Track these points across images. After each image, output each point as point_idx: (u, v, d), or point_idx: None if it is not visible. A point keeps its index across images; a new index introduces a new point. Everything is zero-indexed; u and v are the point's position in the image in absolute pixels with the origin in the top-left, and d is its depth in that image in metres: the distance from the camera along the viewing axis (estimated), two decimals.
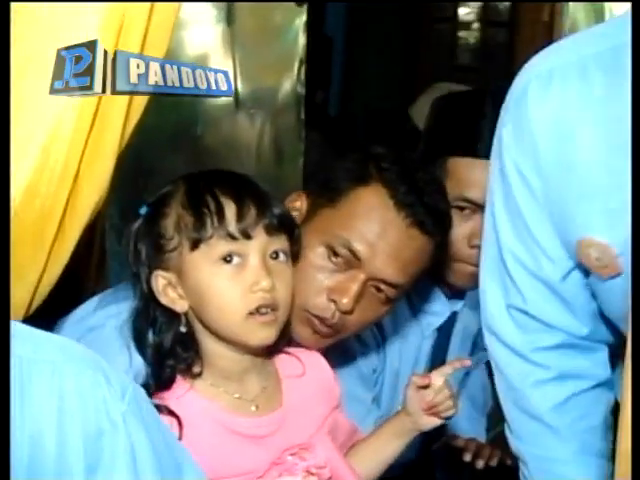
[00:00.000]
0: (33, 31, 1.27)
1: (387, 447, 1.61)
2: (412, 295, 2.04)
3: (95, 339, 1.56)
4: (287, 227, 1.48)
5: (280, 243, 1.46)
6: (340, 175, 1.69)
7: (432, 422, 1.57)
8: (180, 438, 1.42)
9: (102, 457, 1.20)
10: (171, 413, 1.44)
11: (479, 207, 1.81)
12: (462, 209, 1.89)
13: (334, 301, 1.61)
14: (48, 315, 1.53)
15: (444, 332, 2.17)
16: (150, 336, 1.49)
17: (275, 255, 1.45)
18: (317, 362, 1.63)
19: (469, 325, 2.21)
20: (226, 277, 1.42)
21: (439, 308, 2.13)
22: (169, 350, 1.47)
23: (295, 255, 1.53)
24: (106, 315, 1.62)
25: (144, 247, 1.47)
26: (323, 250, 1.63)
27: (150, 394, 1.43)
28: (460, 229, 1.87)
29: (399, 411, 1.62)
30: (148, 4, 1.29)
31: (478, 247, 1.71)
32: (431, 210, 1.63)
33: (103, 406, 1.20)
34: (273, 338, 1.46)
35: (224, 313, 1.43)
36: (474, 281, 1.77)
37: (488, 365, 2.26)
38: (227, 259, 1.42)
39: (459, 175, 1.91)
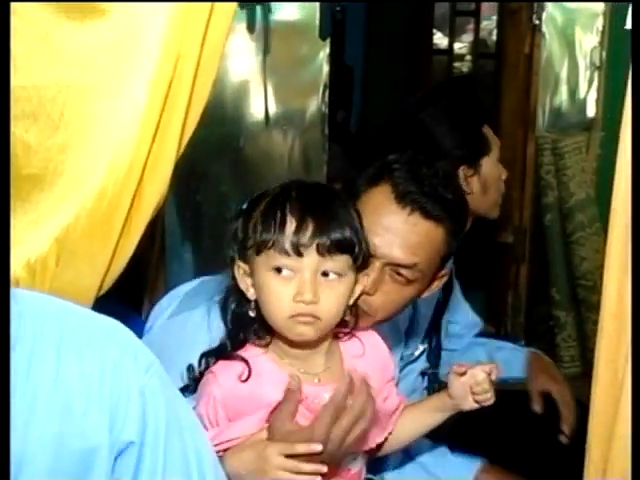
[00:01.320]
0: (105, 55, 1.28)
1: (428, 417, 1.58)
2: None
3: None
4: (343, 250, 1.39)
5: (332, 264, 1.38)
6: (359, 181, 1.66)
7: (471, 405, 1.52)
8: (246, 380, 1.42)
9: (121, 419, 1.18)
10: (244, 360, 1.43)
11: None
12: None
13: None
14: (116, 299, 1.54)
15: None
16: (231, 308, 1.47)
17: (325, 274, 1.39)
18: (375, 341, 1.59)
19: None
20: (276, 284, 1.39)
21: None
22: (242, 324, 1.46)
23: (360, 269, 1.45)
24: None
25: (236, 237, 1.45)
26: None
27: (226, 353, 1.45)
28: None
29: (444, 391, 1.58)
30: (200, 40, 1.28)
31: None
32: (432, 198, 1.58)
33: (126, 378, 1.19)
34: (313, 336, 1.42)
35: (272, 312, 1.40)
36: None
37: None
38: (278, 270, 1.38)
39: None
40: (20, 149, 1.12)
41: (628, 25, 0.95)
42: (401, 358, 2.04)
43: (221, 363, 1.46)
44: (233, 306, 1.47)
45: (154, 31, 1.26)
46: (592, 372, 1.11)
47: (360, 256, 1.42)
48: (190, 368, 1.50)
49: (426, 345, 2.16)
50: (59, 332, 1.18)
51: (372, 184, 1.62)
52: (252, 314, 1.44)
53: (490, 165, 2.07)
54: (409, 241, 1.57)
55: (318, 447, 1.35)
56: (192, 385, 1.48)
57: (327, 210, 1.41)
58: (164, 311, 1.67)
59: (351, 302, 1.47)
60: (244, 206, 1.49)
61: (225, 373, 1.45)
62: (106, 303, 1.46)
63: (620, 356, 1.03)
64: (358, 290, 1.47)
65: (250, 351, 1.46)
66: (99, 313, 1.36)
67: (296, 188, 1.44)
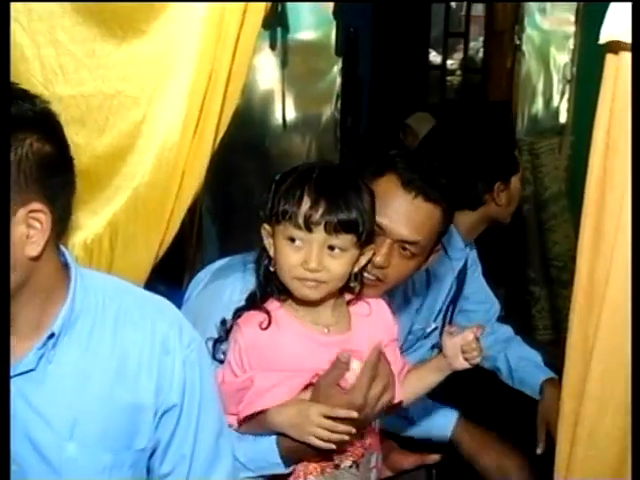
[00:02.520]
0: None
1: (430, 376, 1.53)
2: (450, 250, 2.00)
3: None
4: (347, 230, 1.37)
5: (337, 240, 1.36)
6: (367, 173, 1.64)
7: (463, 364, 1.48)
8: (266, 328, 1.41)
9: (167, 384, 1.18)
10: (266, 312, 1.42)
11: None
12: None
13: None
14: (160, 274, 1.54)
15: (461, 271, 2.11)
16: (264, 264, 1.45)
17: (331, 247, 1.37)
18: (381, 306, 1.55)
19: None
20: (289, 250, 1.37)
21: (461, 255, 2.08)
22: (267, 278, 1.44)
23: (364, 244, 1.42)
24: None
25: (265, 204, 1.42)
26: None
27: (255, 303, 1.44)
28: None
29: (440, 352, 1.55)
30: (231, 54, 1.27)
31: None
32: (431, 184, 1.56)
33: (172, 350, 1.19)
34: (316, 297, 1.40)
35: (283, 273, 1.39)
36: None
37: None
38: (292, 239, 1.37)
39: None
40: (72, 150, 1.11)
41: (601, 40, 0.93)
42: (410, 332, 2.00)
43: (245, 315, 1.45)
44: (265, 262, 1.45)
45: (190, 47, 1.25)
46: (563, 339, 1.10)
47: (363, 235, 1.39)
48: (223, 321, 1.48)
49: (440, 323, 2.10)
50: (118, 306, 1.18)
51: (379, 175, 1.59)
52: (272, 269, 1.43)
53: (516, 182, 2.04)
54: (414, 221, 1.56)
55: (354, 414, 1.36)
56: (224, 336, 1.46)
57: (339, 193, 1.38)
58: (200, 283, 1.66)
59: (356, 269, 1.44)
60: (276, 177, 1.46)
61: (248, 323, 1.43)
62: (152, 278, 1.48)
63: (590, 325, 1.02)
64: (363, 261, 1.45)
65: (271, 304, 1.44)
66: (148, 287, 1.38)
67: (318, 171, 1.41)
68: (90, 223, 1.36)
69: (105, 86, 1.28)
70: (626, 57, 0.92)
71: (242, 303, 1.48)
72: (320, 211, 1.34)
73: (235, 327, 1.45)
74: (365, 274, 1.54)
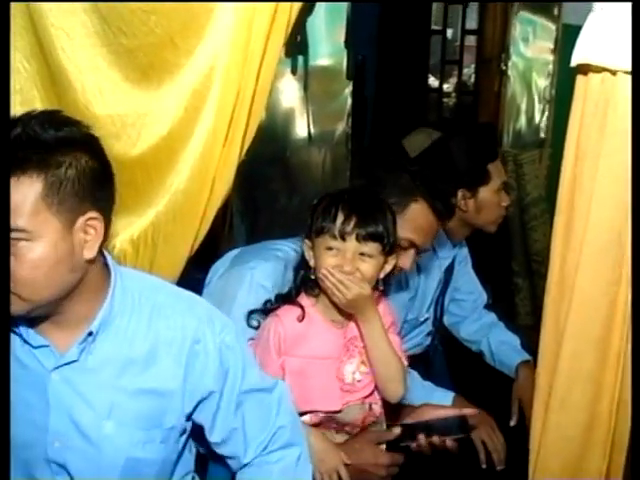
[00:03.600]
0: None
1: None
2: (437, 249, 1.98)
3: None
4: (376, 239, 1.40)
5: (367, 248, 1.39)
6: (399, 194, 1.60)
7: None
8: (302, 320, 1.44)
9: (198, 372, 1.17)
10: (301, 307, 1.45)
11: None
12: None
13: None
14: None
15: (449, 268, 2.08)
16: (301, 273, 1.48)
17: (362, 254, 1.40)
18: (384, 303, 1.56)
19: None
20: (328, 258, 1.40)
21: (447, 254, 2.05)
22: (304, 282, 1.46)
23: (388, 253, 1.45)
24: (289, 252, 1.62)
25: (307, 224, 1.46)
26: None
27: (291, 299, 1.47)
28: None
29: None
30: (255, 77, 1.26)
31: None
32: (447, 209, 1.64)
33: (204, 340, 1.18)
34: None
35: (324, 279, 1.41)
36: None
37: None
38: (329, 248, 1.39)
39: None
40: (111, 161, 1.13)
41: (573, 63, 0.92)
42: (406, 321, 1.97)
43: (283, 308, 1.47)
44: (302, 272, 1.48)
45: (218, 70, 1.25)
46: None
47: (387, 245, 1.42)
48: (267, 302, 1.51)
49: (431, 312, 2.08)
50: (152, 304, 1.17)
51: (412, 199, 1.60)
52: (313, 277, 1.44)
53: (487, 193, 1.94)
54: (432, 234, 1.65)
55: None
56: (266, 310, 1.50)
57: (367, 210, 1.41)
58: (219, 269, 1.65)
59: (382, 275, 1.46)
60: (314, 202, 1.49)
61: (287, 315, 1.45)
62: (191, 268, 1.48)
63: (562, 310, 1.02)
64: (388, 268, 1.47)
65: (305, 301, 1.47)
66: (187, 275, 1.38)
67: (348, 193, 1.46)
68: (136, 223, 1.36)
69: (138, 106, 1.28)
70: (594, 78, 0.91)
71: (265, 285, 1.52)
72: (352, 224, 1.38)
73: (274, 318, 1.47)
74: None
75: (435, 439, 1.56)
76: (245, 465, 1.25)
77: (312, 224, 1.44)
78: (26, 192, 0.98)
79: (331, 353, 1.48)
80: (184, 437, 1.24)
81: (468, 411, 1.66)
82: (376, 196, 1.49)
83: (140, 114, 1.28)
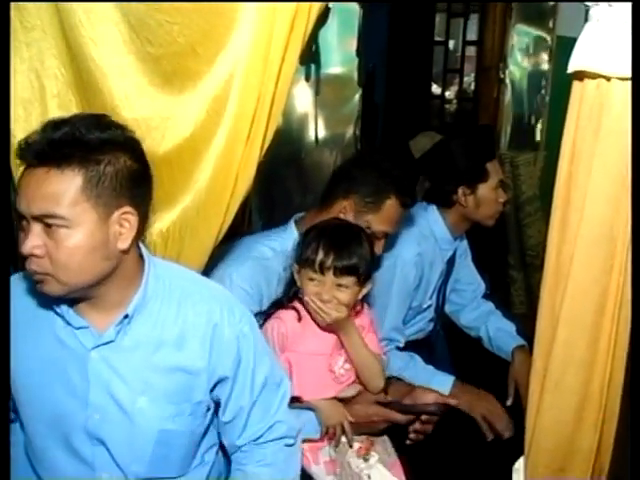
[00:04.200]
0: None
1: None
2: (439, 242, 1.99)
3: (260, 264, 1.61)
4: (351, 273, 1.45)
5: (344, 281, 1.45)
6: (375, 193, 1.64)
7: None
8: (299, 321, 1.50)
9: (216, 356, 1.18)
10: (297, 310, 1.51)
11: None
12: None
13: None
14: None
15: (450, 259, 2.08)
16: (293, 289, 1.53)
17: (340, 285, 1.46)
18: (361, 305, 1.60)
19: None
20: (310, 286, 1.46)
21: (449, 246, 2.04)
22: (296, 294, 1.53)
23: (364, 282, 1.50)
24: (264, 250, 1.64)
25: (296, 251, 1.53)
26: None
27: (288, 305, 1.52)
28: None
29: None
30: (274, 84, 1.25)
31: None
32: (413, 201, 1.69)
33: (224, 327, 1.18)
34: (327, 322, 1.48)
35: (307, 302, 1.48)
36: None
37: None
38: (312, 279, 1.46)
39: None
40: None
41: (569, 70, 0.91)
42: (410, 308, 1.97)
43: (282, 311, 1.53)
44: (294, 288, 1.53)
45: (239, 78, 1.23)
46: (536, 312, 1.08)
47: (362, 276, 1.48)
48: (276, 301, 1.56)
49: (434, 300, 2.08)
50: (181, 291, 1.18)
51: (387, 197, 1.64)
52: (301, 296, 1.50)
53: (485, 190, 1.94)
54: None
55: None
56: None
57: (344, 246, 1.46)
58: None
59: (360, 297, 1.52)
60: (304, 231, 1.56)
61: (288, 316, 1.51)
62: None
63: (557, 298, 1.01)
64: (365, 291, 1.53)
65: (299, 305, 1.52)
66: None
67: (331, 228, 1.51)
68: (165, 218, 1.36)
69: (162, 110, 1.28)
70: (590, 83, 0.90)
71: (244, 287, 1.55)
72: (330, 260, 1.44)
73: (277, 319, 1.52)
74: None
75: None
76: (239, 448, 1.25)
77: (301, 253, 1.49)
78: (68, 184, 1.00)
79: (324, 350, 1.53)
80: (210, 412, 1.24)
81: (452, 402, 1.70)
82: (355, 230, 1.53)
83: (163, 117, 1.28)
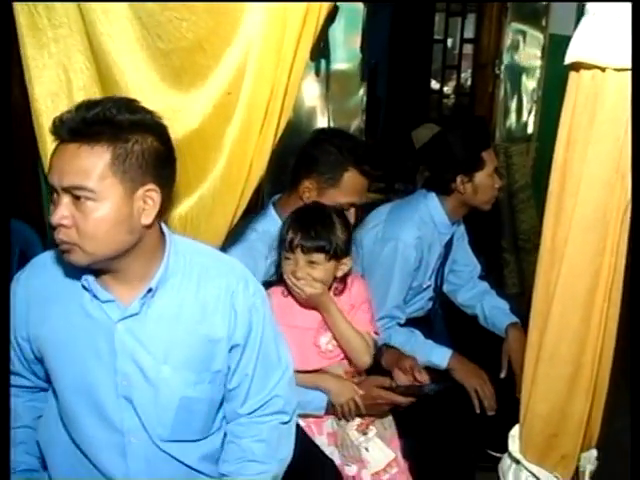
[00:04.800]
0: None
1: None
2: (438, 226, 1.98)
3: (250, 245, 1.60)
4: (318, 250, 1.45)
5: (314, 257, 1.45)
6: (332, 169, 1.62)
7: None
8: (286, 296, 1.51)
9: (233, 325, 1.17)
10: (285, 287, 1.52)
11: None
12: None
13: None
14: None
15: (448, 243, 2.06)
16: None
17: (312, 262, 1.45)
18: (356, 283, 1.59)
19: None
20: (286, 265, 1.48)
21: (447, 230, 2.02)
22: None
23: (338, 258, 1.48)
24: (248, 232, 1.63)
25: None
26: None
27: (276, 282, 1.53)
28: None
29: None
30: (287, 75, 1.23)
31: None
32: (375, 171, 1.65)
33: (239, 299, 1.18)
34: (305, 298, 1.48)
35: (285, 279, 1.49)
36: None
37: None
38: (287, 258, 1.46)
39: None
40: None
41: (566, 61, 0.89)
42: (411, 288, 1.97)
43: (271, 288, 1.53)
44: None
45: (249, 73, 1.21)
46: (527, 292, 1.08)
47: (331, 254, 1.46)
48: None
49: (433, 280, 2.07)
50: (200, 266, 1.17)
51: (345, 170, 1.62)
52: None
53: (482, 177, 1.91)
54: (366, 191, 1.70)
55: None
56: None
57: (310, 226, 1.46)
58: None
59: (340, 274, 1.51)
60: (280, 212, 1.59)
61: (276, 291, 1.53)
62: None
63: (552, 276, 1.00)
64: (346, 268, 1.51)
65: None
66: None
67: (301, 211, 1.52)
68: (184, 202, 1.35)
69: (174, 102, 1.26)
70: (585, 74, 0.89)
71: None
72: (297, 238, 1.44)
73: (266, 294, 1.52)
74: None
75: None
76: (238, 419, 1.23)
77: (280, 236, 1.50)
78: (97, 159, 1.01)
79: (309, 325, 1.53)
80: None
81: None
82: (326, 212, 1.52)
83: (175, 110, 1.26)
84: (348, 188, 1.62)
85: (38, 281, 1.16)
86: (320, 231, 1.45)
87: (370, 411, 1.54)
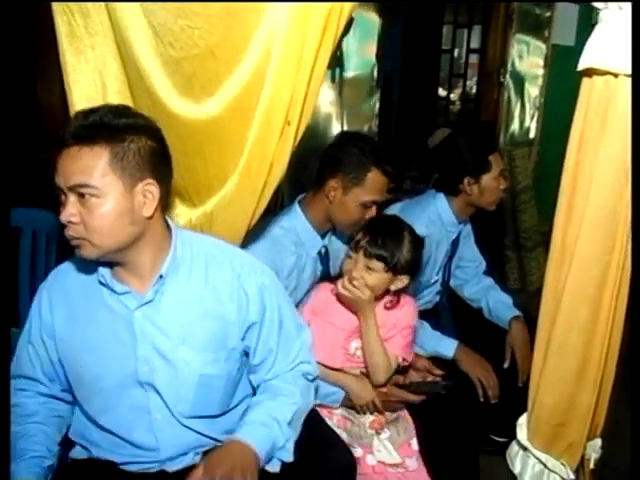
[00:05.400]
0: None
1: None
2: (446, 225, 1.95)
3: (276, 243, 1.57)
4: (379, 259, 1.41)
5: (374, 264, 1.41)
6: (356, 169, 1.59)
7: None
8: (333, 293, 1.48)
9: (245, 306, 1.17)
10: (334, 284, 1.48)
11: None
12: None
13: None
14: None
15: (455, 240, 2.03)
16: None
17: (369, 267, 1.41)
18: (410, 307, 1.55)
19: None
20: (346, 263, 1.44)
21: (454, 229, 2.00)
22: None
23: (396, 272, 1.45)
24: (274, 229, 1.60)
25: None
26: (360, 206, 1.58)
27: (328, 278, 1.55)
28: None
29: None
30: (307, 81, 1.20)
31: None
32: (395, 171, 1.61)
33: (247, 281, 1.18)
34: (353, 299, 1.44)
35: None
36: None
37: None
38: (349, 256, 1.43)
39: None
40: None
41: (580, 67, 0.86)
42: (419, 282, 1.93)
43: (322, 283, 1.54)
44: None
45: (271, 76, 1.18)
46: (527, 287, 1.05)
47: (392, 268, 1.43)
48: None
49: (440, 275, 2.04)
50: (206, 254, 1.18)
51: (368, 170, 1.58)
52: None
53: (488, 179, 1.88)
54: (387, 190, 1.65)
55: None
56: None
57: (380, 234, 1.42)
58: None
59: (393, 288, 1.47)
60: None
61: (324, 287, 1.52)
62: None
63: (562, 273, 0.97)
64: (400, 285, 1.47)
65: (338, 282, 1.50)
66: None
67: (379, 219, 1.51)
68: (208, 203, 1.32)
69: (186, 109, 1.24)
70: (599, 80, 0.86)
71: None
72: (364, 242, 1.41)
73: (316, 287, 1.53)
74: None
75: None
76: (267, 380, 1.23)
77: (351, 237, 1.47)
78: (97, 158, 1.02)
79: (345, 326, 1.49)
80: (242, 359, 1.23)
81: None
82: (400, 227, 1.49)
83: (187, 114, 1.24)
84: (371, 187, 1.59)
85: (60, 287, 1.19)
86: (387, 242, 1.42)
87: (384, 408, 1.51)
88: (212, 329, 1.15)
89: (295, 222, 1.63)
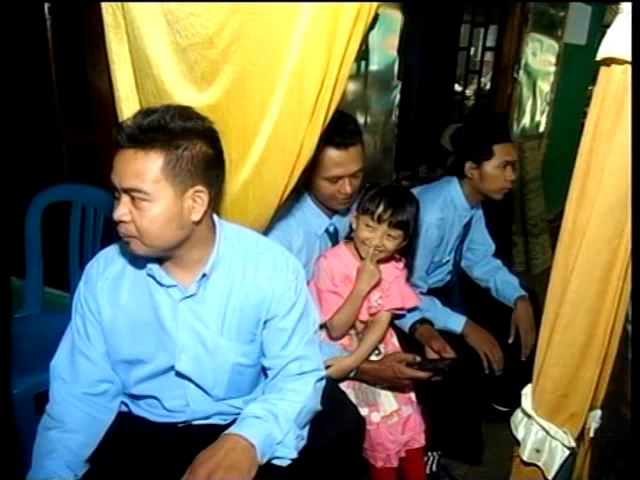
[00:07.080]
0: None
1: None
2: (459, 209, 1.92)
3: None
4: (402, 227, 1.42)
5: (395, 232, 1.42)
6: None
7: None
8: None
9: (276, 301, 1.14)
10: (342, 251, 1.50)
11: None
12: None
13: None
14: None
15: (467, 224, 2.00)
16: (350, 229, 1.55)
17: (389, 235, 1.41)
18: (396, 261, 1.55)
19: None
20: (365, 232, 1.43)
21: (466, 213, 1.96)
22: (347, 236, 1.54)
23: (411, 237, 1.47)
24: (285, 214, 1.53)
25: (358, 201, 1.48)
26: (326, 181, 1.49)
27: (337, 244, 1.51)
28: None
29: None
30: (337, 70, 1.16)
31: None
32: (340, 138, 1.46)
33: (281, 278, 1.14)
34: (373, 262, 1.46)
35: (357, 242, 1.46)
36: None
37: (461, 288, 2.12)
38: (368, 225, 1.42)
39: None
40: None
41: (599, 57, 0.82)
42: (432, 262, 1.92)
43: (343, 245, 1.51)
44: (352, 233, 1.50)
45: (302, 65, 1.13)
46: (531, 270, 1.01)
47: (409, 232, 1.44)
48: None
49: (452, 256, 2.02)
50: (245, 250, 1.15)
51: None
52: (352, 236, 1.48)
53: (489, 167, 1.82)
54: None
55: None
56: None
57: (401, 205, 1.41)
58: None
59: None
60: (366, 185, 1.48)
61: (334, 254, 1.49)
62: None
63: (571, 255, 0.93)
64: (403, 244, 1.47)
65: (345, 246, 1.51)
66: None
67: (391, 189, 1.46)
68: (233, 181, 1.28)
69: (190, 96, 1.20)
70: (617, 69, 0.81)
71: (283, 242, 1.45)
72: (388, 214, 1.40)
73: (322, 259, 1.50)
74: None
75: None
76: (277, 375, 1.18)
77: (361, 203, 1.43)
78: (151, 164, 0.98)
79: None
80: None
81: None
82: (409, 193, 1.47)
83: (191, 102, 1.20)
84: (331, 163, 1.46)
85: (108, 270, 1.15)
86: (407, 211, 1.42)
87: (393, 384, 1.50)
88: (247, 322, 1.14)
89: (303, 205, 1.59)
